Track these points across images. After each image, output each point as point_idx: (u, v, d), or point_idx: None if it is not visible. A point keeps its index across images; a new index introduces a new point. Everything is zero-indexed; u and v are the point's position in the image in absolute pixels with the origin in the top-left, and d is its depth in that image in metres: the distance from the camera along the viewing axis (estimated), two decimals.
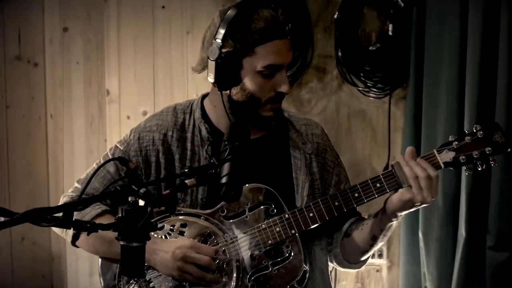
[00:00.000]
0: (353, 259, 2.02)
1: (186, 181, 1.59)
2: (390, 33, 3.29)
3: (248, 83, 1.87)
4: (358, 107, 3.40)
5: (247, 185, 1.90)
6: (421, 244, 3.14)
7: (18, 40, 3.65)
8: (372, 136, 3.40)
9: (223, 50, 1.83)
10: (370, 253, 1.99)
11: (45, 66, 3.72)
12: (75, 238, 1.97)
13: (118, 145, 2.03)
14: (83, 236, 1.95)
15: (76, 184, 2.06)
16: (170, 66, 3.54)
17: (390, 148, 3.36)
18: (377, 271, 3.36)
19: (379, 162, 3.37)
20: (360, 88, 3.35)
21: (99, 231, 1.41)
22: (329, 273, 2.03)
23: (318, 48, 3.40)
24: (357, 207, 2.05)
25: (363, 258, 2.01)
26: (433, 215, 3.09)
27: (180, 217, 1.92)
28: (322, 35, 3.39)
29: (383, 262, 3.33)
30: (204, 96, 2.06)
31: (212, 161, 1.66)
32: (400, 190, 1.82)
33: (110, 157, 1.99)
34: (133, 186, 1.42)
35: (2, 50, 3.60)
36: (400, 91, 3.35)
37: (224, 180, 1.61)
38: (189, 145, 1.98)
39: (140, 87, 3.60)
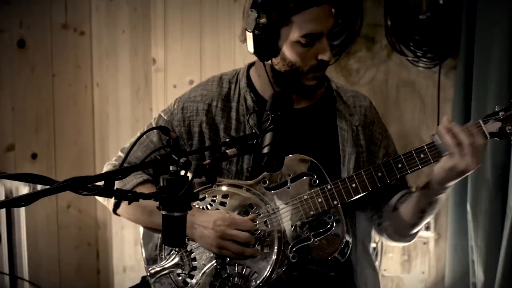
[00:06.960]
0: (403, 233, 1.99)
1: (227, 151, 1.58)
2: (441, 1, 3.17)
3: (288, 52, 1.84)
4: (407, 77, 3.34)
5: (290, 155, 1.89)
6: (469, 217, 3.09)
7: (64, 9, 3.66)
8: (421, 107, 3.33)
9: (259, 21, 1.80)
10: (420, 226, 1.96)
11: (91, 35, 3.74)
12: (116, 206, 1.98)
13: (162, 114, 2.03)
14: (124, 204, 1.96)
15: (120, 153, 2.07)
16: (217, 35, 3.51)
17: (439, 119, 3.29)
18: (424, 243, 3.31)
19: (428, 133, 3.29)
20: (410, 58, 3.29)
21: (140, 200, 1.40)
22: (370, 247, 2.03)
23: (367, 17, 3.33)
24: (407, 180, 2.02)
25: (412, 232, 1.99)
26: (481, 187, 3.02)
27: (222, 188, 1.91)
28: (372, 3, 3.32)
29: (430, 234, 3.29)
30: (251, 65, 2.03)
31: (254, 130, 1.66)
32: (442, 158, 1.78)
33: (154, 126, 1.99)
34: (173, 156, 1.40)
35: (49, 18, 3.61)
36: (450, 61, 3.27)
37: (265, 150, 1.60)
38: (234, 114, 1.97)
39: (187, 56, 3.58)
